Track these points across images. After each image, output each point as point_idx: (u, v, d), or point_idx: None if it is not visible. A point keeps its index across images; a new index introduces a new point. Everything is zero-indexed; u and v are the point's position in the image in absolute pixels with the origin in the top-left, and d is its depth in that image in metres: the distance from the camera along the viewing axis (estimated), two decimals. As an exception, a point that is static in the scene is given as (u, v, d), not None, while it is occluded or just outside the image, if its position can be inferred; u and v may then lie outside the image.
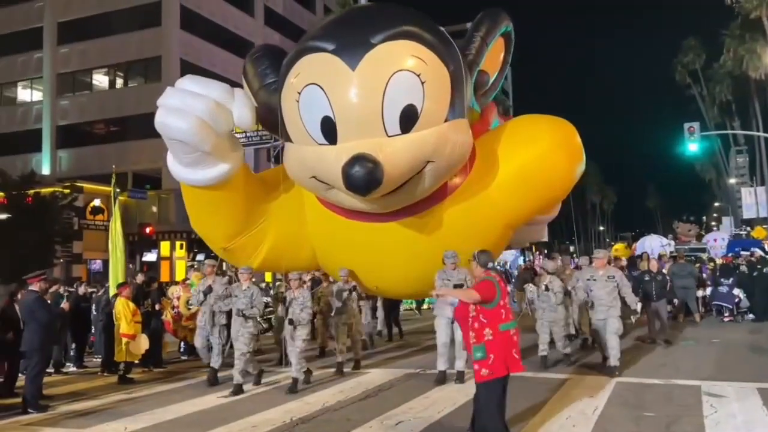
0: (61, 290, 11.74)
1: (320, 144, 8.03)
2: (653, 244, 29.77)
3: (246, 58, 9.22)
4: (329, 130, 7.88)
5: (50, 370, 10.54)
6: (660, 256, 19.01)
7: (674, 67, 54.54)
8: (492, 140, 9.58)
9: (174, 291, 12.83)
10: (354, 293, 9.96)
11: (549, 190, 9.34)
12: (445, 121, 8.05)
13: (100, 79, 38.56)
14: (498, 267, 8.13)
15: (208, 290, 9.61)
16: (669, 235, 40.41)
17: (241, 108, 8.38)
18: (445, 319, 9.10)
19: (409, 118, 7.76)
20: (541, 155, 9.13)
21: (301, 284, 9.24)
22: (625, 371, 9.38)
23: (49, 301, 9.19)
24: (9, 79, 40.39)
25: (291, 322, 8.83)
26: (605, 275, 9.56)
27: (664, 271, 14.69)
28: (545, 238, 14.66)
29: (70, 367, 11.88)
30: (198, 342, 9.88)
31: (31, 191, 26.06)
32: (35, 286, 8.69)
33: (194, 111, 8.01)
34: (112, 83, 38.21)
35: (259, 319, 9.55)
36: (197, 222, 9.36)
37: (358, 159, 7.47)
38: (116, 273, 12.19)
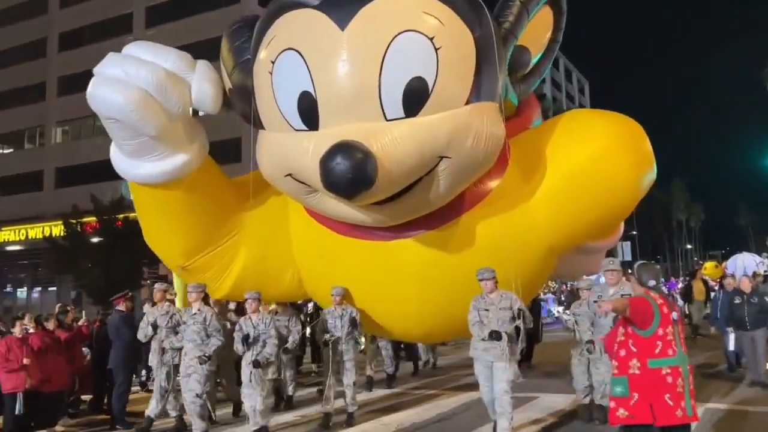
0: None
1: (297, 130, 6.02)
2: (746, 262, 26.22)
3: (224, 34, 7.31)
4: (309, 111, 5.88)
5: (136, 387, 10.69)
6: (754, 275, 15.88)
7: (765, 76, 50.81)
8: (532, 139, 7.40)
9: None
10: (356, 331, 7.77)
11: (606, 204, 7.03)
12: (467, 103, 5.94)
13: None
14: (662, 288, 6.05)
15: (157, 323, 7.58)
16: (763, 253, 36.46)
17: (201, 82, 6.45)
18: (485, 367, 6.84)
19: (416, 97, 5.72)
20: (596, 158, 6.89)
21: (256, 308, 7.08)
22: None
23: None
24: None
25: (257, 364, 6.70)
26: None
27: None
28: (599, 271, 12.11)
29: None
30: (155, 389, 7.80)
31: (121, 215, 26.85)
32: (121, 306, 8.76)
33: (136, 81, 6.11)
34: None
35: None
36: (149, 232, 7.40)
37: (341, 148, 5.43)
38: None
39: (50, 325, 8.34)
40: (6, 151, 42.03)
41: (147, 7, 37.30)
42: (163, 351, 7.50)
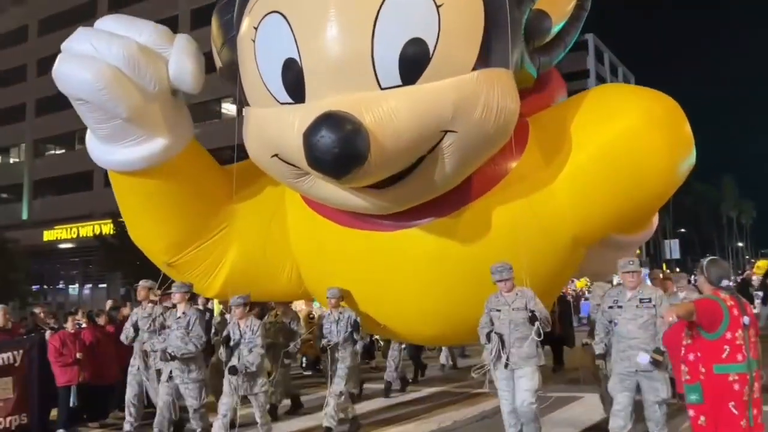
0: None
1: (282, 104, 5.34)
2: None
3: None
4: (294, 81, 5.21)
5: None
6: None
7: None
8: (555, 117, 6.60)
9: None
10: (357, 334, 6.97)
11: (637, 190, 6.16)
12: (474, 70, 5.18)
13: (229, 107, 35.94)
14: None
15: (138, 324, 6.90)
16: None
17: (180, 57, 5.81)
18: (504, 377, 5.88)
19: (414, 62, 5.01)
20: (627, 138, 6.06)
21: (246, 313, 6.35)
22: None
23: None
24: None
25: (233, 370, 5.95)
26: (636, 298, 5.75)
27: None
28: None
29: None
30: (128, 393, 7.12)
31: None
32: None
33: (106, 57, 5.50)
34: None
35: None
36: (131, 226, 6.78)
37: (327, 120, 4.74)
38: None
39: (101, 320, 8.58)
40: (58, 152, 42.98)
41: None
42: (146, 354, 6.81)
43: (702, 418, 4.34)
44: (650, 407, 5.60)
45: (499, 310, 5.86)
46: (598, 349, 5.96)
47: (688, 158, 6.46)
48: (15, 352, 6.90)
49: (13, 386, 6.72)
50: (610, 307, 5.88)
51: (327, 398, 6.91)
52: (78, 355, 7.57)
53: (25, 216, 43.20)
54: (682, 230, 57.71)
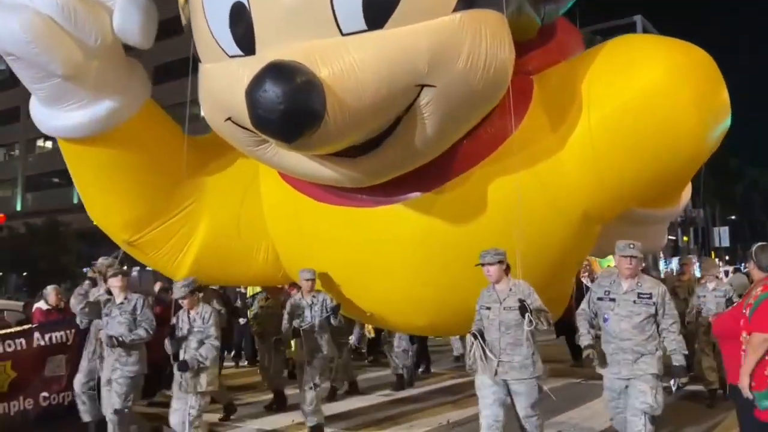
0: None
1: (232, 57, 4.58)
2: None
3: None
4: (244, 29, 4.47)
5: (230, 363, 11.03)
6: None
7: None
8: (564, 74, 5.69)
9: None
10: (334, 319, 6.17)
11: (661, 155, 5.23)
12: (455, 11, 4.33)
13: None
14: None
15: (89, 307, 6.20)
16: None
17: (125, 7, 5.07)
18: (490, 384, 4.74)
19: (382, 1, 4.16)
20: (649, 92, 5.12)
21: (195, 300, 5.58)
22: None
23: None
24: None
25: (183, 366, 5.22)
26: (634, 292, 4.66)
27: None
28: (660, 247, 9.77)
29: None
30: (77, 385, 6.46)
31: None
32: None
33: (37, 6, 4.81)
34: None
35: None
36: (86, 200, 6.10)
37: (271, 71, 3.98)
38: None
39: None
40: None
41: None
42: (100, 342, 6.13)
43: None
44: (632, 417, 4.50)
45: (489, 308, 4.79)
46: (585, 340, 4.77)
47: (721, 120, 5.49)
48: (67, 331, 6.76)
49: (66, 364, 6.65)
50: (600, 299, 4.78)
51: (302, 394, 6.17)
52: None
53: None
54: (732, 217, 55.41)
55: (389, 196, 5.41)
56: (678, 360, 4.56)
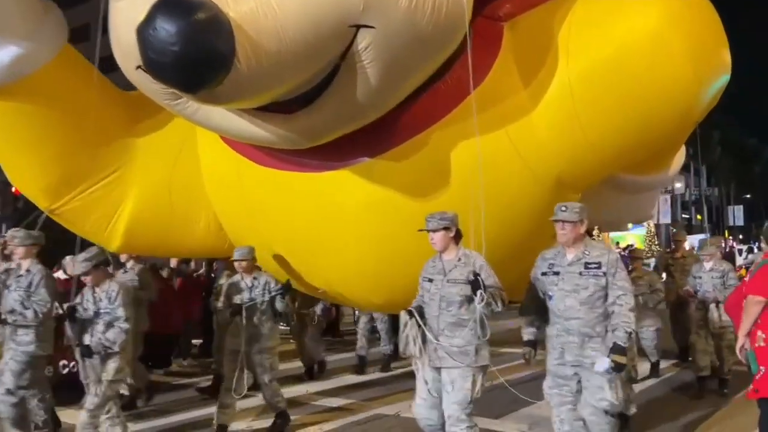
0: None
1: (131, -8, 3.88)
2: None
3: None
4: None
5: None
6: None
7: None
8: (541, 18, 4.96)
9: None
10: (280, 302, 5.42)
11: (647, 114, 4.54)
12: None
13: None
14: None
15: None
16: None
17: None
18: (430, 379, 3.98)
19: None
20: (636, 40, 4.44)
21: (102, 277, 4.66)
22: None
23: None
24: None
25: (86, 351, 4.53)
26: (580, 262, 3.82)
27: None
28: (649, 216, 8.90)
29: None
30: None
31: None
32: None
33: None
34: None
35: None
36: (2, 162, 5.45)
37: (165, 5, 3.27)
38: None
39: (164, 273, 8.82)
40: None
41: None
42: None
43: (750, 385, 3.94)
44: (591, 417, 3.72)
45: (431, 280, 4.02)
46: (526, 334, 3.98)
47: (720, 74, 4.81)
48: None
49: None
50: (544, 274, 3.93)
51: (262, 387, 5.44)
52: None
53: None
54: (748, 196, 54.32)
55: (336, 160, 4.78)
56: (618, 338, 3.60)
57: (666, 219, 33.56)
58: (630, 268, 7.51)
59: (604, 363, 3.58)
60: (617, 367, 3.57)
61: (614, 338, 3.61)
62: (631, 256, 7.72)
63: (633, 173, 5.47)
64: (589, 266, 3.76)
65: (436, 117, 4.61)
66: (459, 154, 4.68)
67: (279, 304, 5.31)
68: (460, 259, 3.97)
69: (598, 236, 26.62)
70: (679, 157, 6.42)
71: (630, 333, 3.66)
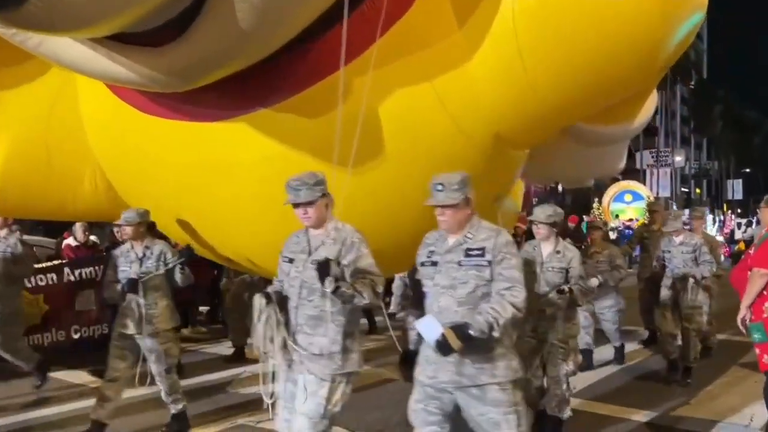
0: None
1: None
2: None
3: None
4: None
5: None
6: None
7: None
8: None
9: None
10: (180, 274, 4.55)
11: (609, 52, 3.87)
12: None
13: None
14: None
15: None
16: None
17: None
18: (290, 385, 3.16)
19: None
20: None
21: None
22: None
23: None
24: None
25: None
26: (461, 248, 2.85)
27: None
28: (617, 171, 7.96)
29: None
30: None
31: None
32: None
33: None
34: None
35: None
36: None
37: None
38: None
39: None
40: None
41: None
42: None
43: (766, 356, 4.09)
44: None
45: (291, 260, 3.14)
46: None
47: (690, 9, 4.09)
48: (96, 267, 7.01)
49: (95, 299, 6.95)
50: (422, 265, 2.98)
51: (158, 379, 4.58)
52: None
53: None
54: (747, 170, 53.93)
55: (228, 108, 4.03)
56: (476, 321, 2.68)
57: (665, 192, 33.16)
58: (588, 241, 6.88)
59: (433, 330, 2.68)
60: (441, 346, 2.65)
61: (472, 320, 2.69)
62: (589, 226, 7.06)
63: (593, 124, 4.80)
64: (471, 253, 2.81)
65: (346, 59, 3.82)
66: (372, 105, 3.93)
67: (179, 276, 4.51)
68: (329, 235, 3.09)
69: (599, 209, 25.58)
70: (650, 105, 5.71)
71: (492, 328, 2.67)
